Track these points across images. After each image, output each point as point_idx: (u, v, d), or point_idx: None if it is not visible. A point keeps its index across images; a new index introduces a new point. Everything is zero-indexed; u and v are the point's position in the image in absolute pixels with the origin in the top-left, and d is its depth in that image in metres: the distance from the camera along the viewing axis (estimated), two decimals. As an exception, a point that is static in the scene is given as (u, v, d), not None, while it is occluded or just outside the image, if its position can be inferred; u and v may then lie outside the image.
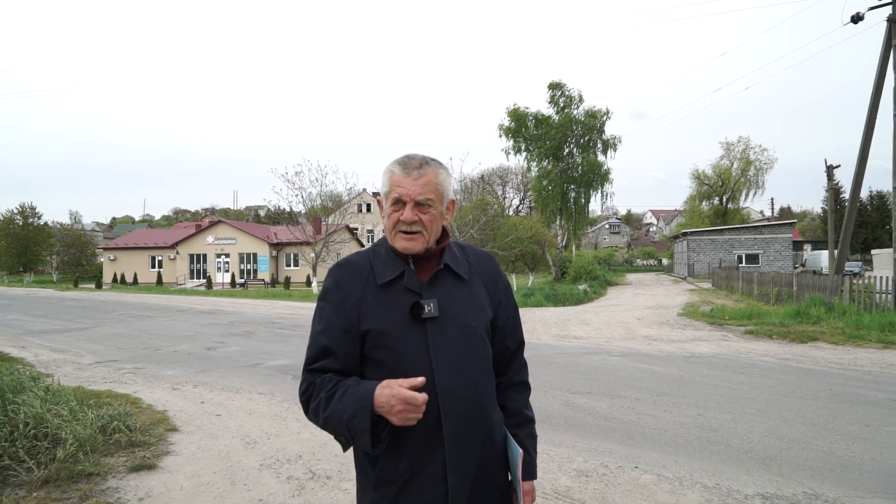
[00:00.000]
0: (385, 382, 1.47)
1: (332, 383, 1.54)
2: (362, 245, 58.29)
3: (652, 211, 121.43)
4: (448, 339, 1.58)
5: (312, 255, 34.07)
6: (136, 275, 46.08)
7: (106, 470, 4.39)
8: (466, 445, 1.57)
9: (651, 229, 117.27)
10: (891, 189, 14.82)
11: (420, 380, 1.46)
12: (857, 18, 15.98)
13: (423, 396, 1.44)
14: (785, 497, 3.91)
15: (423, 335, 1.56)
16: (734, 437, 5.22)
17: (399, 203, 1.59)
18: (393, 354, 1.56)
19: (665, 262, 69.85)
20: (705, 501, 3.86)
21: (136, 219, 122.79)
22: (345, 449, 1.58)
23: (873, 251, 21.07)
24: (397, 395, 1.43)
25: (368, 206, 65.37)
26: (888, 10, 14.72)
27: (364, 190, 60.87)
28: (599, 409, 6.23)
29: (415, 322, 1.56)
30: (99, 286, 42.28)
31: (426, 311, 1.57)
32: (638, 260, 77.44)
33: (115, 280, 46.00)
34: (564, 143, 36.51)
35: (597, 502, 3.86)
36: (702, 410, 6.16)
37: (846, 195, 47.08)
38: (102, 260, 49.83)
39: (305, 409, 1.58)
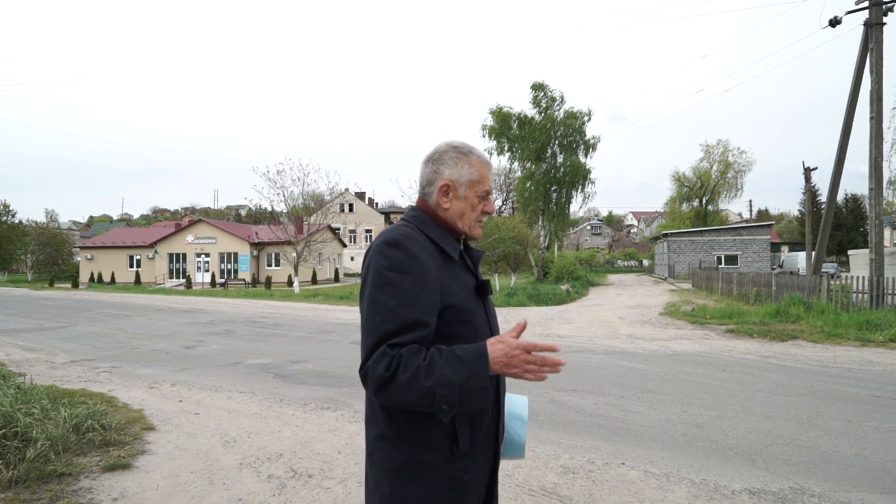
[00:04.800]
0: (495, 339, 1.47)
1: (423, 353, 1.45)
2: (344, 245, 57.94)
3: (633, 213, 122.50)
4: (492, 314, 1.74)
5: (294, 254, 33.76)
6: (113, 274, 45.30)
7: (78, 470, 4.24)
8: (502, 407, 1.73)
9: (632, 231, 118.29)
10: (865, 192, 15.04)
11: (523, 322, 1.51)
12: (834, 22, 16.20)
13: (542, 343, 1.46)
14: (772, 492, 3.90)
15: (484, 311, 1.68)
16: (719, 434, 5.21)
17: (487, 195, 1.72)
18: (471, 329, 1.59)
19: (646, 262, 70.45)
20: (693, 497, 3.83)
21: (114, 218, 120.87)
22: (445, 419, 1.47)
23: (850, 252, 21.44)
24: (516, 345, 1.44)
25: (351, 205, 65.04)
26: (865, 14, 14.96)
27: (346, 189, 60.57)
28: (584, 407, 6.20)
29: (477, 298, 1.66)
30: (75, 285, 41.49)
31: (490, 291, 1.73)
32: (619, 261, 78.01)
33: (92, 279, 45.18)
34: (548, 145, 36.64)
35: (584, 499, 3.81)
36: (686, 407, 6.16)
37: (822, 198, 47.98)
38: (79, 259, 48.90)
39: (383, 387, 1.42)
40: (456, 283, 1.60)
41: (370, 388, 1.45)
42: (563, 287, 27.87)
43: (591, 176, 37.15)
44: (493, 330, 1.70)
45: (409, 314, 1.47)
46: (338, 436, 5.23)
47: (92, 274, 45.78)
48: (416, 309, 1.48)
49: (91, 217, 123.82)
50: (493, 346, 1.44)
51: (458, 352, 1.44)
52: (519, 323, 1.50)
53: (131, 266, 46.61)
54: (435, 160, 1.71)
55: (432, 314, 1.50)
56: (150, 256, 45.98)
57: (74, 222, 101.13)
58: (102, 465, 4.38)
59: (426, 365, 1.41)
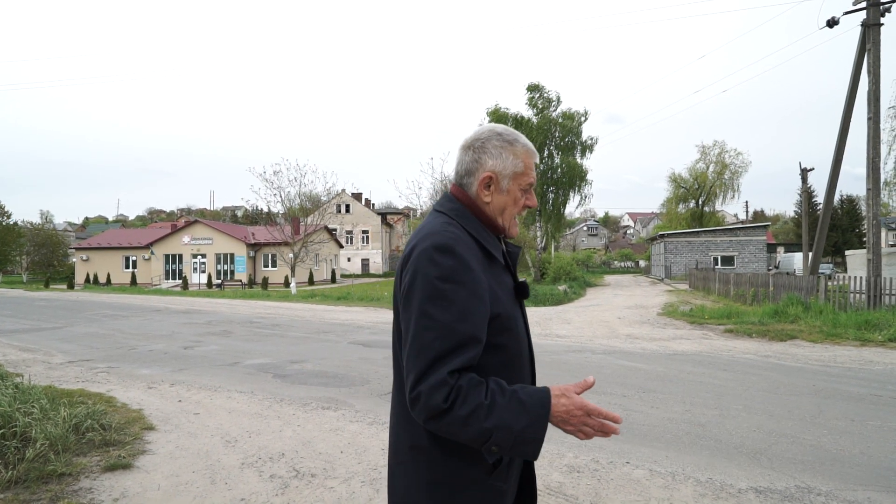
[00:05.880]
0: (559, 391, 1.38)
1: (483, 388, 1.35)
2: (341, 246, 57.83)
3: (629, 214, 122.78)
4: (525, 314, 1.64)
5: (291, 255, 33.70)
6: (109, 275, 45.13)
7: (78, 470, 4.19)
8: None
9: (628, 232, 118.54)
10: (861, 193, 15.07)
11: (591, 379, 1.43)
12: (832, 23, 16.25)
13: (606, 411, 1.38)
14: (778, 491, 3.88)
15: (521, 313, 1.59)
16: (723, 433, 5.19)
17: (530, 187, 1.61)
18: (514, 337, 1.52)
19: (642, 263, 70.61)
20: (699, 496, 3.81)
21: (110, 219, 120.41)
22: (491, 460, 1.42)
23: (847, 252, 21.53)
24: (580, 406, 1.36)
25: (347, 206, 64.95)
26: (863, 15, 15.00)
27: (343, 190, 60.44)
28: (587, 406, 6.16)
29: (516, 301, 1.58)
30: (71, 286, 41.30)
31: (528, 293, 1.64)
32: (616, 262, 78.17)
33: (87, 280, 45.01)
34: (544, 146, 36.64)
35: (590, 498, 3.78)
36: (689, 406, 6.14)
37: (819, 199, 48.16)
38: (74, 260, 48.73)
39: (437, 417, 1.32)
40: (499, 287, 1.50)
41: (421, 415, 1.34)
42: (561, 288, 27.89)
43: (588, 177, 37.20)
44: (528, 334, 1.61)
45: (464, 329, 1.36)
46: (340, 435, 5.19)
47: (87, 275, 45.62)
48: (470, 324, 1.37)
49: (86, 218, 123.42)
50: (557, 400, 1.36)
51: (521, 395, 1.35)
52: (587, 380, 1.41)
53: (127, 267, 46.47)
54: (477, 148, 1.57)
55: (485, 328, 1.41)
56: (146, 257, 45.83)
57: (70, 223, 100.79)
58: (103, 465, 4.33)
59: (488, 404, 1.32)
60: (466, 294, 1.38)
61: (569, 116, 36.41)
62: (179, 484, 4.05)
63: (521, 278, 1.63)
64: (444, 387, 1.31)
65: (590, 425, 1.36)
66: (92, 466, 4.30)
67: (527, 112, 36.98)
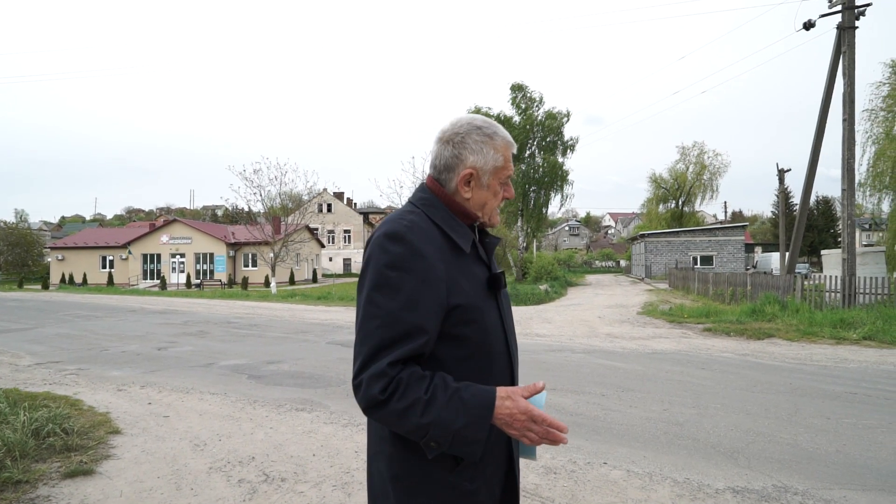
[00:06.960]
0: (505, 392, 1.34)
1: (425, 383, 1.31)
2: (322, 245, 57.42)
3: (610, 214, 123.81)
4: (506, 309, 1.60)
5: (271, 255, 33.33)
6: (85, 275, 44.29)
7: (37, 477, 4.02)
8: None
9: (609, 231, 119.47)
10: (836, 194, 15.26)
11: (541, 384, 1.39)
12: (808, 25, 16.44)
13: (551, 419, 1.34)
14: (755, 490, 3.84)
15: (496, 307, 1.53)
16: (700, 432, 5.16)
17: (508, 180, 1.59)
18: (480, 329, 1.45)
19: (623, 263, 71.14)
20: (676, 496, 3.76)
21: (87, 218, 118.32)
22: (431, 455, 1.35)
23: (823, 252, 21.85)
24: (523, 410, 1.33)
25: (329, 205, 64.53)
26: (838, 18, 15.19)
27: (324, 189, 60.04)
28: (565, 405, 6.12)
29: (489, 293, 1.51)
30: (46, 287, 40.45)
31: (504, 284, 1.59)
32: (597, 261, 78.72)
33: (63, 280, 44.13)
34: (527, 145, 36.70)
35: (566, 499, 3.72)
36: (667, 405, 6.11)
37: (795, 199, 48.84)
38: (50, 260, 47.78)
39: (374, 408, 1.30)
40: (465, 277, 1.44)
41: (361, 403, 1.31)
42: (542, 287, 27.93)
43: (570, 177, 37.33)
44: (505, 327, 1.55)
45: (409, 319, 1.32)
46: (312, 438, 5.07)
47: (63, 275, 44.73)
48: (417, 313, 1.33)
49: (63, 217, 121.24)
50: (502, 402, 1.32)
51: (464, 395, 1.31)
52: (535, 384, 1.38)
53: (104, 267, 45.66)
54: (456, 143, 1.51)
55: (435, 319, 1.36)
56: (124, 257, 45.08)
57: (45, 222, 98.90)
58: (63, 471, 4.16)
59: (426, 399, 1.28)
60: (415, 282, 1.34)
61: (551, 116, 36.49)
62: (143, 490, 3.90)
63: (496, 270, 1.57)
64: (383, 378, 1.29)
65: (534, 431, 1.33)
66: (51, 473, 4.13)
67: (510, 111, 37.02)
